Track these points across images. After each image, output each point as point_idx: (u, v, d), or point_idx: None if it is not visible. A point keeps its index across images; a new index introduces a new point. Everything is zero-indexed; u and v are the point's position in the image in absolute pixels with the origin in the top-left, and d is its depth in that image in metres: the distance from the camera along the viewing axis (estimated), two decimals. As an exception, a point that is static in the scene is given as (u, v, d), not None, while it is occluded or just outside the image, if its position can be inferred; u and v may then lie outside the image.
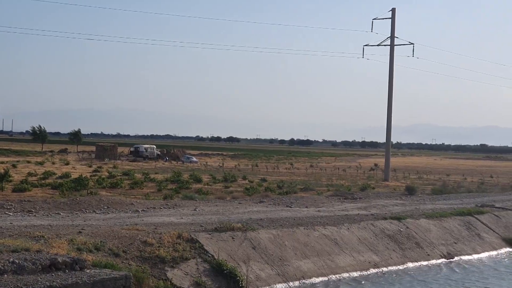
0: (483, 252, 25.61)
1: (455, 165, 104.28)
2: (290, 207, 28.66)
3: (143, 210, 24.99)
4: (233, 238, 18.89)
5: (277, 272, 18.39)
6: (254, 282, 17.22)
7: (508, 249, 26.72)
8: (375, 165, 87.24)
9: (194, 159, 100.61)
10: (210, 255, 17.45)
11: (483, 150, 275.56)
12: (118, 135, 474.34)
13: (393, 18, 61.03)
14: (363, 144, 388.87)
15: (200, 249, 17.58)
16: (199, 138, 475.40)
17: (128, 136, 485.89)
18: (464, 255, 24.67)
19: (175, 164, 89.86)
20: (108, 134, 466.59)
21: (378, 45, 62.81)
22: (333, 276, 19.53)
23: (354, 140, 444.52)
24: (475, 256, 24.89)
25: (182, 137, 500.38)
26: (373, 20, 62.85)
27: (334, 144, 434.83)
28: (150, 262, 16.11)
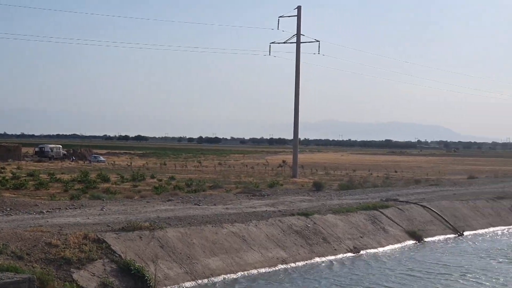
0: (388, 245, 26.25)
1: (361, 160, 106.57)
2: (199, 205, 28.61)
3: (48, 211, 24.39)
4: (140, 237, 18.71)
5: (186, 270, 18.33)
6: (162, 281, 17.11)
7: (411, 241, 27.50)
8: (283, 161, 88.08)
9: (102, 158, 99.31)
10: (117, 255, 17.22)
11: (388, 146, 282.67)
12: (23, 135, 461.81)
13: (299, 15, 61.75)
14: (271, 141, 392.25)
15: (107, 249, 17.32)
16: (106, 137, 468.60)
17: (33, 136, 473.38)
18: (370, 248, 25.23)
19: (82, 164, 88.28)
20: (12, 135, 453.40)
21: (284, 42, 63.41)
22: (242, 273, 19.62)
23: (262, 137, 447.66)
24: (380, 249, 25.49)
25: (89, 136, 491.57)
26: (279, 18, 63.41)
27: (242, 141, 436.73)
28: (56, 264, 15.77)
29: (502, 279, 20.27)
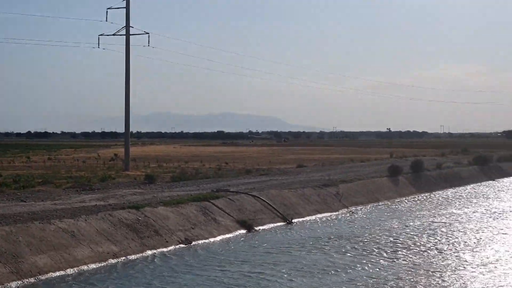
0: (220, 235, 26.62)
1: (194, 152, 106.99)
2: (25, 201, 27.60)
3: None
4: (-39, 238, 17.78)
5: (11, 270, 17.66)
6: (-15, 283, 16.38)
7: (242, 230, 28.04)
8: (115, 155, 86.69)
9: None
10: None
11: (220, 137, 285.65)
12: None
13: (127, 7, 60.82)
14: (103, 135, 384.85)
15: None
16: None
17: None
18: (202, 239, 25.47)
19: None
20: None
21: (113, 34, 62.19)
22: (71, 269, 19.23)
23: (94, 130, 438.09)
24: (212, 239, 25.81)
25: None
26: (108, 10, 62.17)
27: (73, 135, 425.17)
28: None
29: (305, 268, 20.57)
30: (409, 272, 19.61)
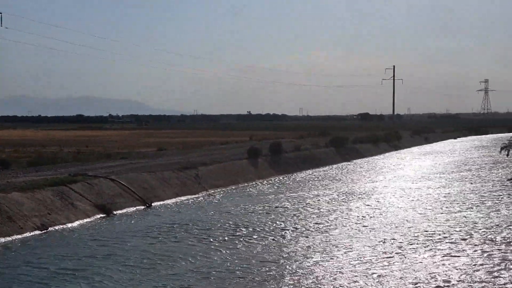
0: (77, 220, 26.22)
1: (52, 136, 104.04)
2: None
3: None
4: None
5: None
6: None
7: (101, 215, 27.72)
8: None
9: None
10: None
11: (80, 121, 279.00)
12: None
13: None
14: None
15: None
16: None
17: None
18: (59, 224, 24.99)
19: None
20: None
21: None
22: None
23: None
24: (69, 224, 25.38)
25: None
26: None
27: None
28: None
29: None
30: (240, 260, 19.26)
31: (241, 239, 22.57)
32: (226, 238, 22.92)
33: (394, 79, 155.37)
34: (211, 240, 22.58)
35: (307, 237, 22.94)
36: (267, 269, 18.06)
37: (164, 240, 22.86)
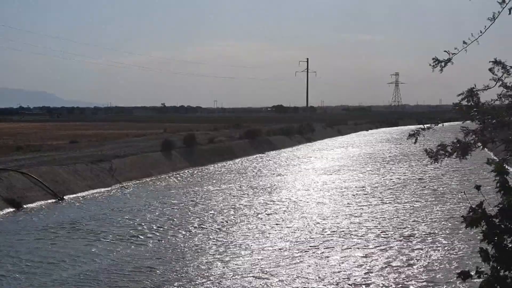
0: (-14, 214, 25.70)
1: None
2: None
3: None
4: None
5: None
6: None
7: (10, 209, 27.27)
8: None
9: None
10: None
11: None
12: None
13: None
14: None
15: None
16: None
17: None
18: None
19: None
20: None
21: None
22: None
23: None
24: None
25: None
26: None
27: None
28: None
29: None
30: (126, 263, 18.46)
31: (136, 238, 21.76)
32: (121, 237, 22.05)
33: (308, 72, 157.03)
34: (105, 239, 21.72)
35: (207, 235, 22.06)
36: (154, 271, 17.39)
37: (61, 238, 22.08)
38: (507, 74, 8.02)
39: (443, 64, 8.13)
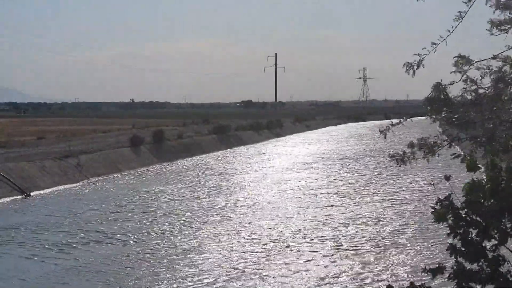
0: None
1: None
2: None
3: None
4: None
5: None
6: None
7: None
8: None
9: None
10: None
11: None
12: None
13: None
14: None
15: None
16: None
17: None
18: None
19: None
20: None
21: None
22: None
23: None
24: None
25: None
26: None
27: None
28: None
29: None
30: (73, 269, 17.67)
31: (88, 243, 20.58)
32: (73, 240, 21.04)
33: (276, 67, 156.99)
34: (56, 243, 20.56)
35: (161, 240, 20.87)
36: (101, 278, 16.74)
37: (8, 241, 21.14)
38: (470, 66, 8.26)
39: (415, 67, 8.38)
